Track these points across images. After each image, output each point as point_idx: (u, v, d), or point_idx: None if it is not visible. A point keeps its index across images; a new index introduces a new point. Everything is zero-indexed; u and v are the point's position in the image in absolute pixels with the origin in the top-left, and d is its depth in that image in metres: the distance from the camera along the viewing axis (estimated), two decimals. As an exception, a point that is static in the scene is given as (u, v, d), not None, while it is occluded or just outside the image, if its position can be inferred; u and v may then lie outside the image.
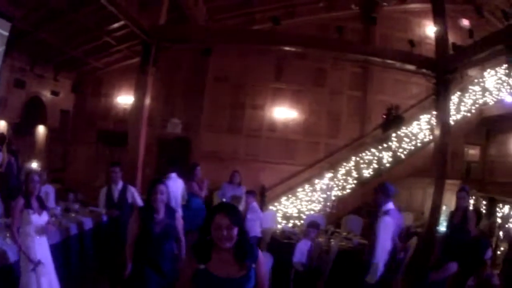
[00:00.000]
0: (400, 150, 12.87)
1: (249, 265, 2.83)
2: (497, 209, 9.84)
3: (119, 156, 10.00)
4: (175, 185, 7.33)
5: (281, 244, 8.07)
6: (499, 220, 10.39)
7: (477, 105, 13.82)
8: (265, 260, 3.08)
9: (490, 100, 13.80)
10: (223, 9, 12.09)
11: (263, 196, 9.82)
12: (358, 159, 12.66)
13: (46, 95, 12.14)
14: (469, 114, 13.33)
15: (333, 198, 11.32)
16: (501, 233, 9.87)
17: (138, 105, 8.61)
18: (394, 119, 12.89)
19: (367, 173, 12.50)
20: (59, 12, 9.29)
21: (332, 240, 8.02)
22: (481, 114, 14.01)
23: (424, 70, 10.10)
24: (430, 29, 13.44)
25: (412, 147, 13.02)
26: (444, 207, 10.01)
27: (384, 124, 13.07)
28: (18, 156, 9.52)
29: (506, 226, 10.64)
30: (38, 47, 10.58)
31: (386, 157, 12.76)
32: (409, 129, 13.15)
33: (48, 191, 7.25)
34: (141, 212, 4.50)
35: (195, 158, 11.75)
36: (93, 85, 13.33)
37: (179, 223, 4.69)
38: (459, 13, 12.69)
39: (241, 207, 8.72)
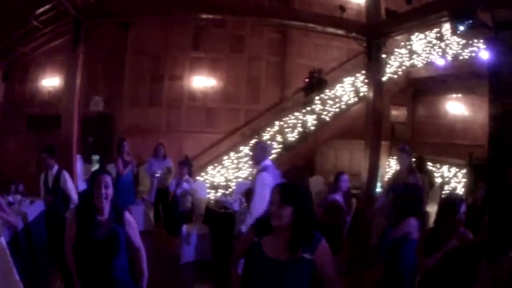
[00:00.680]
0: (325, 113, 13.65)
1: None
2: (428, 167, 11.01)
3: (51, 140, 9.77)
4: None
5: (218, 214, 8.43)
6: (438, 180, 11.92)
7: (403, 67, 14.85)
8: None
9: (418, 62, 14.83)
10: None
11: (190, 166, 10.24)
12: (282, 123, 13.30)
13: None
14: (395, 76, 14.32)
15: None
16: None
17: (70, 85, 8.69)
18: (317, 83, 13.45)
19: (292, 137, 13.13)
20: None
21: None
22: (409, 75, 15.08)
23: (354, 35, 10.88)
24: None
25: (337, 110, 13.82)
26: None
27: (307, 88, 13.57)
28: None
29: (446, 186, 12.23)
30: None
31: (311, 120, 13.47)
32: (333, 92, 13.95)
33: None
34: (78, 212, 3.59)
35: (118, 134, 12.01)
36: (21, 72, 13.12)
37: (133, 230, 3.71)
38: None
39: (172, 179, 9.31)
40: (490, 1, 8.86)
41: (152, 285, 4.38)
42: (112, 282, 3.48)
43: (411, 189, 5.39)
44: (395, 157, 12.90)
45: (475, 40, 12.25)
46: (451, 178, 12.60)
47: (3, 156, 12.56)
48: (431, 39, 14.53)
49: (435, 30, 13.72)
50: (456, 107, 17.03)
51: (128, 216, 3.70)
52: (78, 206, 3.86)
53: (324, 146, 14.02)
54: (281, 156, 12.60)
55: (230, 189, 11.68)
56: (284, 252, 2.82)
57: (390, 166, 14.45)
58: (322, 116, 13.67)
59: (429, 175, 10.17)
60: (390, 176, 10.66)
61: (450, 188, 12.26)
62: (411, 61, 14.93)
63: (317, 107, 13.72)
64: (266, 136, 13.00)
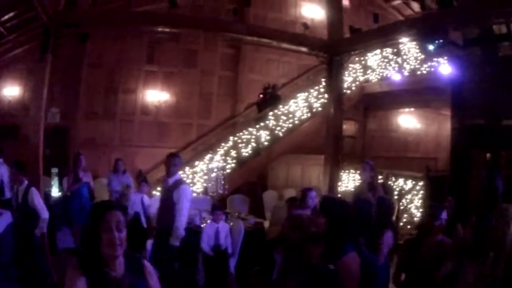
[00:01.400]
0: (278, 128, 14.75)
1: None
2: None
3: (8, 150, 10.44)
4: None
5: None
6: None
7: (357, 82, 16.27)
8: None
9: (373, 77, 16.29)
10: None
11: (145, 181, 11.19)
12: (236, 139, 14.32)
13: None
14: (348, 91, 15.41)
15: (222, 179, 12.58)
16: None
17: (38, 95, 9.21)
18: (271, 98, 14.96)
19: (245, 152, 14.16)
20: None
21: (238, 221, 9.36)
22: (362, 91, 16.53)
23: (317, 52, 11.97)
24: (305, 10, 16.16)
25: (290, 125, 14.98)
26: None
27: (261, 103, 15.05)
28: None
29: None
30: None
31: (264, 135, 14.51)
32: (286, 107, 15.15)
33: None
34: (82, 263, 2.74)
35: (73, 147, 12.75)
36: (-18, 82, 13.65)
37: (154, 281, 3.03)
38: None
39: (132, 195, 9.73)
40: (462, 20, 9.99)
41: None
42: None
43: (385, 202, 5.97)
44: (346, 171, 14.52)
45: (436, 56, 13.60)
46: (409, 191, 13.55)
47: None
48: (387, 54, 15.95)
49: (390, 44, 14.80)
50: (408, 120, 18.74)
51: (147, 264, 3.09)
52: (81, 258, 2.78)
53: (276, 161, 15.14)
54: (234, 171, 13.60)
55: None
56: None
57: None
58: (276, 132, 14.73)
59: (390, 191, 11.09)
60: (353, 190, 11.52)
61: (408, 201, 13.22)
62: (366, 76, 16.37)
63: (271, 122, 14.79)
64: (220, 151, 14.01)
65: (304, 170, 15.96)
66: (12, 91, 13.37)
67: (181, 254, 8.34)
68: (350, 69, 15.69)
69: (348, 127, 16.97)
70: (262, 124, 14.80)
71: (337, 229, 3.70)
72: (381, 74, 16.21)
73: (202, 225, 9.05)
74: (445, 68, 12.95)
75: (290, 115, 15.19)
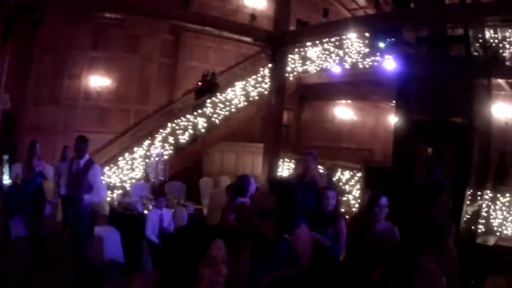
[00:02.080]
0: (215, 115, 16.07)
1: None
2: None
3: None
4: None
5: (124, 216, 9.95)
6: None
7: (295, 73, 17.88)
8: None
9: (312, 68, 17.88)
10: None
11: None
12: (174, 125, 15.53)
13: None
14: (286, 81, 16.26)
15: (161, 165, 13.71)
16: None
17: None
18: (209, 86, 16.27)
19: (183, 139, 15.41)
20: None
21: (180, 207, 10.17)
22: (300, 81, 18.21)
23: (261, 43, 13.40)
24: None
25: (227, 113, 16.35)
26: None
27: (199, 90, 16.34)
28: None
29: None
30: None
31: (201, 122, 15.79)
32: (224, 95, 16.49)
33: None
34: None
35: (21, 133, 13.61)
36: None
37: None
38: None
39: None
40: (417, 22, 11.36)
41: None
42: None
43: (337, 191, 7.01)
44: (280, 160, 15.56)
45: (384, 53, 14.42)
46: (347, 181, 14.77)
47: None
48: (328, 47, 17.39)
49: (334, 38, 16.23)
50: (344, 112, 20.58)
51: None
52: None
53: (211, 148, 16.49)
54: (172, 157, 14.84)
55: (121, 190, 13.41)
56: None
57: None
58: (213, 119, 16.06)
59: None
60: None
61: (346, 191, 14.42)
62: (304, 67, 18.00)
63: (208, 110, 16.08)
64: (158, 137, 15.18)
65: (238, 158, 17.42)
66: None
67: (125, 242, 9.30)
68: (289, 59, 16.79)
69: (283, 116, 18.11)
70: (199, 111, 16.01)
71: (287, 205, 4.68)
72: (320, 65, 17.74)
73: (144, 212, 9.79)
74: (389, 63, 14.18)
75: (227, 103, 16.54)
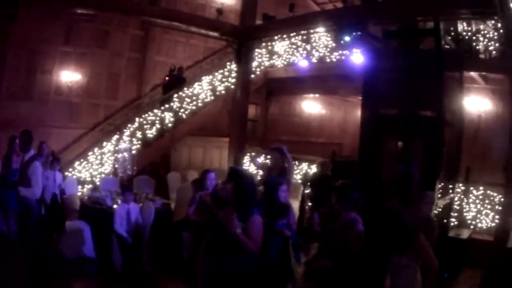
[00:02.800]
0: (182, 110, 17.17)
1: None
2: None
3: None
4: None
5: (94, 210, 10.48)
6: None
7: (262, 67, 19.10)
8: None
9: (279, 63, 19.13)
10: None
11: (58, 161, 12.51)
12: (141, 120, 16.59)
13: None
14: (253, 76, 17.46)
15: (129, 159, 14.73)
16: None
17: None
18: (176, 80, 17.42)
19: (150, 133, 16.42)
20: None
21: (148, 202, 10.71)
22: (266, 75, 19.40)
23: (228, 38, 14.27)
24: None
25: (194, 107, 17.48)
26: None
27: (166, 85, 17.47)
28: None
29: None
30: None
31: (168, 117, 16.86)
32: (191, 89, 17.62)
33: None
34: None
35: None
36: None
37: None
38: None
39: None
40: (382, 16, 11.84)
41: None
42: None
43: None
44: (247, 154, 16.51)
45: (351, 47, 15.36)
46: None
47: None
48: (296, 41, 18.61)
49: (301, 32, 16.51)
50: (312, 106, 22.01)
51: None
52: None
53: (179, 143, 17.64)
54: (140, 152, 15.87)
55: (90, 185, 14.41)
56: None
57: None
58: (180, 114, 17.13)
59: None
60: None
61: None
62: (271, 61, 19.22)
63: (175, 104, 17.14)
64: (126, 132, 16.19)
65: (206, 152, 18.73)
66: None
67: (96, 236, 9.86)
68: (256, 54, 17.99)
69: (250, 111, 18.66)
70: (166, 105, 17.08)
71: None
72: (287, 60, 18.98)
73: (114, 206, 10.30)
74: (357, 57, 15.10)
75: (194, 98, 17.65)
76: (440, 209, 11.72)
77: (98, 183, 14.58)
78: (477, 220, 12.79)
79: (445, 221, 12.02)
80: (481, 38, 13.93)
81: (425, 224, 6.96)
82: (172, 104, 17.24)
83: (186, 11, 15.81)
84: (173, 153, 17.93)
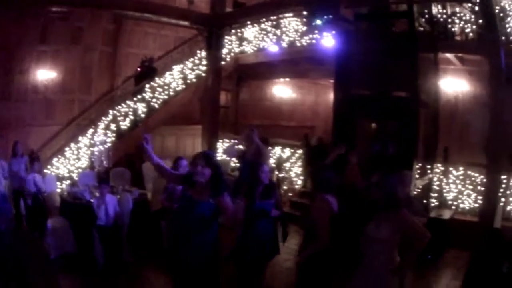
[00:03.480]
0: (154, 100, 18.03)
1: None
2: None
3: None
4: None
5: (74, 206, 10.86)
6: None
7: (232, 54, 19.84)
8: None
9: (249, 49, 19.83)
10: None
11: (37, 160, 13.16)
12: (115, 112, 17.36)
13: None
14: (223, 63, 18.12)
15: (105, 152, 15.47)
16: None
17: None
18: (148, 71, 18.25)
19: (124, 125, 17.24)
20: None
21: (124, 193, 11.23)
22: (237, 61, 20.11)
23: (198, 26, 14.82)
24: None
25: (166, 97, 18.34)
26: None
27: (138, 76, 18.30)
28: None
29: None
30: None
31: (141, 108, 17.68)
32: (162, 79, 18.47)
33: None
34: None
35: None
36: None
37: None
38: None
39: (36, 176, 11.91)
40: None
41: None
42: None
43: None
44: (219, 140, 17.34)
45: (323, 30, 15.56)
46: (288, 159, 16.32)
47: None
48: (265, 27, 19.27)
49: (271, 18, 17.12)
50: (283, 90, 22.89)
51: None
52: None
53: (152, 132, 17.45)
54: (115, 144, 16.65)
55: (69, 180, 15.06)
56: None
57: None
58: (152, 103, 17.95)
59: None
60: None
61: (287, 168, 16.08)
62: (241, 48, 19.99)
63: (147, 94, 17.96)
64: (101, 125, 16.93)
65: (178, 140, 19.63)
66: None
67: (76, 231, 10.34)
68: (226, 41, 18.39)
69: (221, 97, 19.38)
70: (139, 96, 17.92)
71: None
72: (257, 45, 19.70)
73: (91, 200, 10.60)
74: (328, 40, 15.43)
75: (166, 87, 18.55)
76: (419, 190, 12.35)
77: (76, 178, 15.14)
78: (459, 201, 13.19)
79: (425, 201, 12.58)
80: (457, 21, 14.32)
81: (406, 205, 7.27)
82: (144, 94, 18.05)
83: (158, 2, 16.14)
84: None
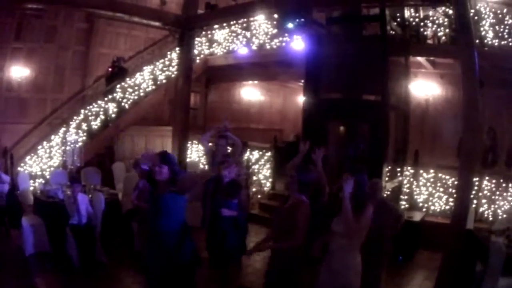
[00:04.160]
0: (125, 100, 18.51)
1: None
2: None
3: None
4: None
5: (47, 204, 11.12)
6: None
7: (202, 56, 20.42)
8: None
9: (218, 51, 20.43)
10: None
11: (11, 158, 14.07)
12: (86, 112, 17.76)
13: None
14: (193, 64, 17.88)
15: (76, 151, 15.64)
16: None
17: None
18: (119, 71, 18.66)
19: (95, 125, 17.65)
20: None
21: (97, 192, 11.43)
22: (206, 63, 20.72)
23: (170, 27, 15.20)
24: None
25: (136, 97, 18.85)
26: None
27: (109, 76, 18.71)
28: None
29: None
30: None
31: (112, 108, 18.11)
32: (133, 80, 18.94)
33: None
34: None
35: None
36: None
37: None
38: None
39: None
40: (326, 2, 12.51)
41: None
42: None
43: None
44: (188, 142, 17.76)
45: (293, 33, 15.27)
46: (257, 161, 16.93)
47: None
48: (236, 29, 19.87)
49: (242, 20, 17.97)
50: (251, 93, 23.54)
51: None
52: None
53: (122, 133, 18.90)
54: (86, 144, 17.03)
55: (42, 179, 15.54)
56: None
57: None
58: (123, 104, 18.43)
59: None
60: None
61: (256, 171, 16.67)
62: (211, 50, 20.59)
63: (118, 95, 18.41)
64: (73, 124, 17.31)
65: (148, 141, 20.07)
66: None
67: (50, 229, 10.66)
68: (196, 42, 18.80)
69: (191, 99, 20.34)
70: (110, 96, 18.33)
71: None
72: (227, 47, 20.31)
73: (65, 199, 10.83)
74: (297, 43, 15.98)
75: (136, 88, 19.01)
76: (389, 192, 12.56)
77: (48, 176, 15.52)
78: (430, 203, 13.79)
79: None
80: (430, 24, 14.83)
81: (380, 208, 7.60)
82: (115, 95, 18.47)
83: (130, 2, 16.44)
84: (117, 143, 19.17)
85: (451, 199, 13.16)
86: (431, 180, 13.96)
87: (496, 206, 13.12)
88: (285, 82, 23.25)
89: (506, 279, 8.18)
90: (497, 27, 14.16)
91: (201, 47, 20.68)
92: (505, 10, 14.24)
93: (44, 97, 18.48)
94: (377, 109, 12.30)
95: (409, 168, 14.22)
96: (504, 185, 13.12)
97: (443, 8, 14.06)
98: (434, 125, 15.88)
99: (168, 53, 20.15)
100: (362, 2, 12.65)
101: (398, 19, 14.36)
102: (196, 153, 20.00)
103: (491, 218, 12.97)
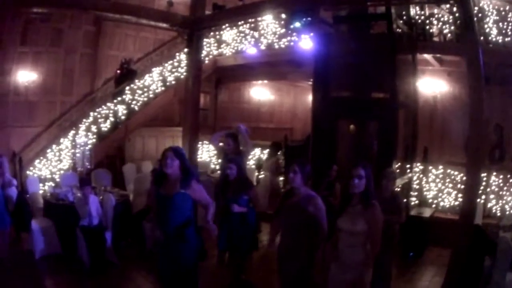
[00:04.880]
0: (134, 102, 18.65)
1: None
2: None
3: None
4: None
5: (57, 207, 11.17)
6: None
7: (211, 56, 20.55)
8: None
9: (227, 51, 20.53)
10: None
11: (20, 162, 14.24)
12: (96, 114, 17.97)
13: None
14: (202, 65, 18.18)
15: (87, 154, 16.00)
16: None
17: None
18: (128, 73, 18.90)
19: (105, 127, 17.80)
20: None
21: (107, 194, 11.50)
22: (215, 64, 20.83)
23: (178, 28, 15.15)
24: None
25: (145, 99, 19.00)
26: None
27: (118, 78, 18.93)
28: None
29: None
30: None
31: (121, 109, 18.27)
32: (142, 81, 19.16)
33: None
34: None
35: None
36: None
37: None
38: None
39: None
40: (333, 1, 12.26)
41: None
42: None
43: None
44: (199, 142, 17.72)
45: (301, 33, 16.11)
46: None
47: None
48: (244, 29, 19.98)
49: (250, 20, 17.53)
50: (261, 92, 23.64)
51: None
52: None
53: (132, 134, 19.09)
54: (96, 146, 17.17)
55: (51, 182, 15.63)
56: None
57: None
58: (132, 105, 18.58)
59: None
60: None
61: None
62: (220, 50, 20.70)
63: (127, 96, 18.58)
64: (82, 127, 17.51)
65: (158, 142, 20.20)
66: None
67: (61, 231, 10.79)
68: (204, 43, 18.51)
69: (200, 99, 20.36)
70: (119, 98, 18.53)
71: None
72: (236, 48, 20.41)
73: (74, 201, 10.80)
74: (306, 43, 16.01)
75: (145, 89, 19.17)
76: (399, 189, 12.47)
77: (58, 179, 15.67)
78: (439, 199, 13.98)
79: (405, 200, 12.72)
80: (435, 22, 14.81)
81: (391, 201, 8.02)
82: (124, 96, 18.65)
83: (137, 4, 16.41)
84: (127, 145, 19.40)
85: (460, 195, 13.14)
86: (440, 176, 14.14)
87: (504, 201, 13.26)
88: (295, 82, 23.26)
89: (515, 274, 8.11)
90: (500, 24, 14.21)
91: (209, 48, 20.64)
92: (507, 7, 14.30)
93: (53, 100, 18.63)
94: (386, 107, 12.42)
95: (418, 164, 14.36)
96: (511, 180, 13.26)
97: (448, 5, 13.96)
98: (442, 122, 15.72)
99: (177, 54, 20.31)
100: (368, 0, 12.50)
101: (404, 17, 14.37)
102: (207, 153, 20.26)
103: (499, 214, 13.11)
